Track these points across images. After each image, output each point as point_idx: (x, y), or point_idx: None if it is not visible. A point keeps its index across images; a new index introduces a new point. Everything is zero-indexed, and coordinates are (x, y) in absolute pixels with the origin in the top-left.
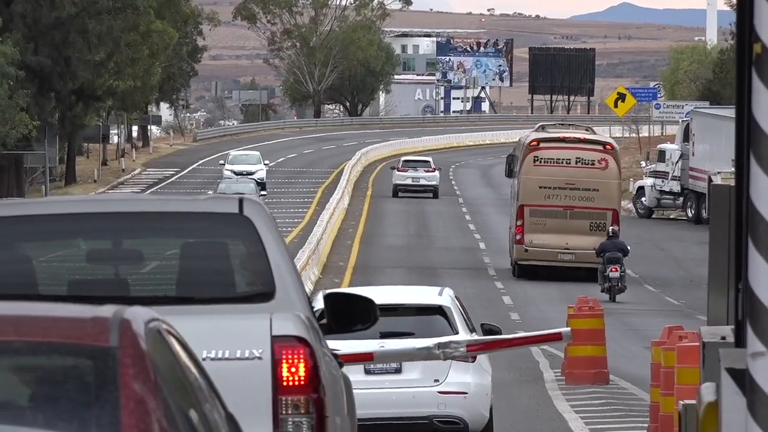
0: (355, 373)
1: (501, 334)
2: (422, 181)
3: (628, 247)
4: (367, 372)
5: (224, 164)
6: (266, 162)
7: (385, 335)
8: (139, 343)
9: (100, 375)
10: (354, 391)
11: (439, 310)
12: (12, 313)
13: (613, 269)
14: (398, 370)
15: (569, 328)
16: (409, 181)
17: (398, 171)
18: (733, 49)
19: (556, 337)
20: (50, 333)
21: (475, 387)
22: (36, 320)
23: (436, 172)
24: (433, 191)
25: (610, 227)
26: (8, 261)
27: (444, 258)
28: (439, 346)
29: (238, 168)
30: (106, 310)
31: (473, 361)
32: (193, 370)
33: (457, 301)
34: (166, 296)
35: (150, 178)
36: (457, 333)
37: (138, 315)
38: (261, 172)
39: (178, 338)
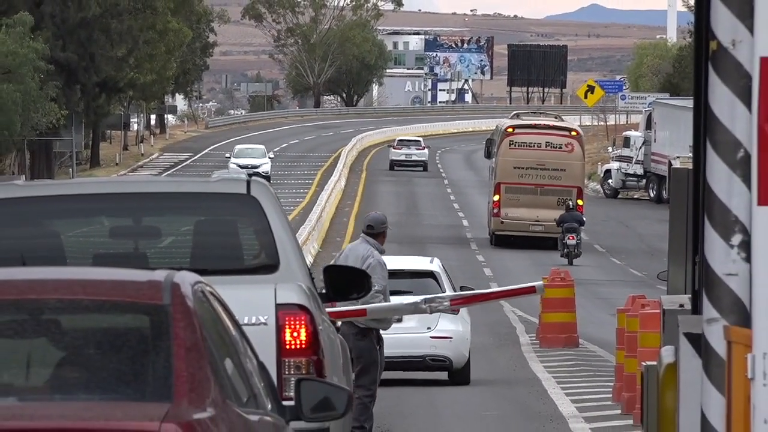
0: None
1: None
2: (414, 157)
3: (584, 219)
4: None
5: (230, 158)
6: (270, 155)
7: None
8: (187, 302)
9: (156, 328)
10: None
11: (431, 275)
12: (81, 276)
13: (571, 237)
14: (399, 320)
15: (542, 282)
16: (403, 157)
17: (394, 149)
18: (692, 46)
19: (530, 290)
20: (113, 293)
21: (458, 333)
22: (101, 282)
23: (426, 150)
24: (423, 165)
25: (569, 201)
26: (39, 236)
27: (431, 233)
28: (426, 301)
29: (243, 161)
30: (159, 274)
31: (457, 314)
32: (231, 325)
33: (443, 268)
34: (181, 268)
35: (167, 161)
36: (445, 292)
37: (186, 278)
38: (266, 166)
39: (218, 298)
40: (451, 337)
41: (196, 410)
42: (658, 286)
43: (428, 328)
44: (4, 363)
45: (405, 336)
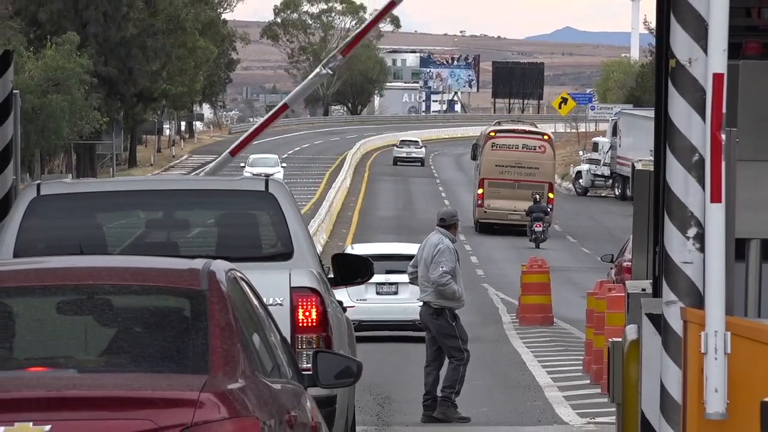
0: (370, 293)
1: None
2: (413, 154)
3: (549, 209)
4: (378, 293)
5: (245, 166)
6: (283, 164)
7: (389, 272)
8: (222, 287)
9: (195, 310)
10: (369, 304)
11: None
12: (130, 265)
13: (538, 225)
14: (395, 293)
15: (341, 59)
16: (404, 154)
17: (397, 147)
18: (653, 64)
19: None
20: (158, 279)
21: None
22: (147, 270)
23: (423, 149)
24: (421, 161)
25: (536, 195)
26: (85, 227)
27: (424, 225)
28: (324, 66)
29: (256, 170)
30: (198, 263)
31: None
32: (257, 304)
33: None
34: (208, 255)
35: (195, 162)
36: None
37: (220, 266)
38: (278, 175)
39: (248, 282)
40: None
41: (229, 381)
42: (623, 273)
43: (418, 299)
44: (65, 339)
45: (400, 305)
